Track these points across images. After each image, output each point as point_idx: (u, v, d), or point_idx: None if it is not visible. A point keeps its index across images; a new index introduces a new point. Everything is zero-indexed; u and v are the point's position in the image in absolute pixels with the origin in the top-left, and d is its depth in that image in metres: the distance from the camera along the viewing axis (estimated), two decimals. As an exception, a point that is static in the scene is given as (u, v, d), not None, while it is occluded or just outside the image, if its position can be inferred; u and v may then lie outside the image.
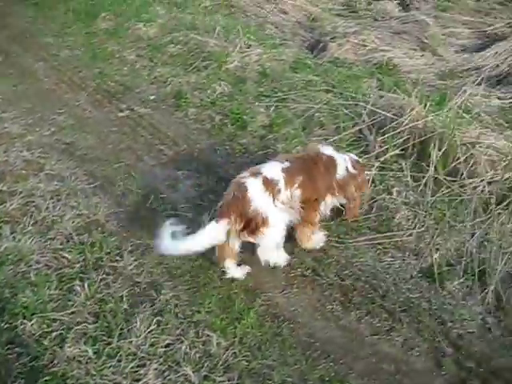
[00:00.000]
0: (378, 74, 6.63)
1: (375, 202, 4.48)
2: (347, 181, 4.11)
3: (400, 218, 4.33)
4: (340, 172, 4.10)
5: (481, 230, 4.17)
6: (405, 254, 4.10)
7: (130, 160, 5.18)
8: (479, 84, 6.52)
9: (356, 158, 4.41)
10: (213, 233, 3.62)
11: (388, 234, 4.25)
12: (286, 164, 3.90)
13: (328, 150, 4.20)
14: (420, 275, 3.96)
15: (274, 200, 3.74)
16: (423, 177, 4.57)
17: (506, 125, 5.83)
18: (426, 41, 7.87)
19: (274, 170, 3.84)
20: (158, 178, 4.89)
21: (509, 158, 4.56)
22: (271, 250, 3.88)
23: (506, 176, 4.45)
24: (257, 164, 4.02)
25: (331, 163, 4.09)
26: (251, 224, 3.67)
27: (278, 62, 6.64)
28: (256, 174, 3.78)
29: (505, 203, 4.30)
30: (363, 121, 5.13)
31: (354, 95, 5.72)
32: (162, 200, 4.58)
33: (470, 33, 8.48)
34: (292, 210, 3.91)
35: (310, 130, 5.29)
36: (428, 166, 4.60)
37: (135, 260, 3.92)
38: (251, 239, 3.76)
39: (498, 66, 7.20)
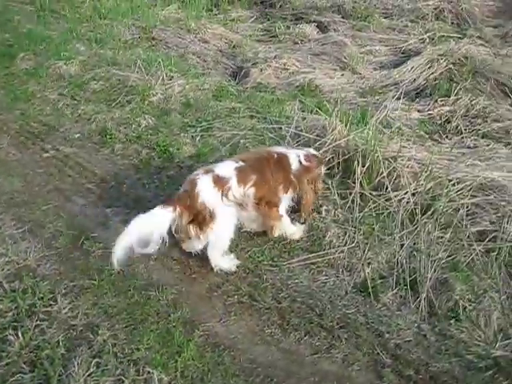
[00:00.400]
0: (301, 95, 6.78)
1: (305, 222, 4.54)
2: (301, 174, 4.33)
3: (331, 236, 4.41)
4: (294, 167, 4.32)
5: (409, 241, 4.31)
6: (338, 271, 4.18)
7: (58, 201, 5.04)
8: (398, 99, 6.75)
9: (313, 152, 4.63)
10: (156, 217, 3.85)
11: (320, 252, 4.31)
12: (240, 163, 4.12)
13: (279, 149, 4.49)
14: (354, 290, 4.05)
15: (222, 196, 3.95)
16: (350, 193, 4.69)
17: (427, 136, 6.10)
18: (345, 60, 8.14)
19: (226, 168, 4.08)
20: (88, 217, 4.79)
21: (429, 168, 4.72)
22: (221, 250, 4.05)
23: (428, 186, 4.61)
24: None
25: (284, 160, 4.32)
26: (199, 217, 3.88)
27: (201, 91, 6.67)
28: (208, 172, 4.03)
29: (429, 212, 4.46)
30: (288, 143, 5.21)
31: (277, 119, 5.82)
32: (93, 239, 4.47)
33: (387, 50, 8.85)
34: (245, 207, 4.14)
35: (237, 157, 5.34)
36: (354, 182, 4.73)
37: (70, 303, 3.80)
38: (200, 235, 3.94)
39: (415, 80, 7.52)
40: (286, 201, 4.36)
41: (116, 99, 6.61)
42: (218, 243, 4.01)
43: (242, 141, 5.52)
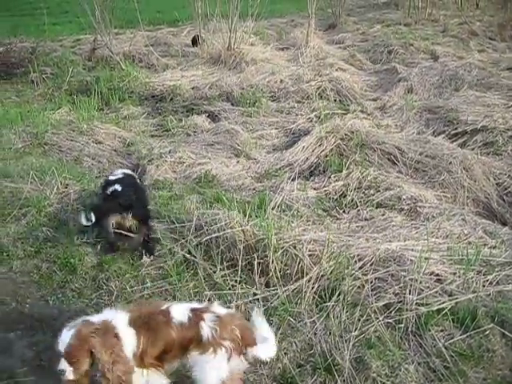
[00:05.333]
0: (199, 188, 6.85)
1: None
2: None
3: (243, 332, 4.39)
4: None
5: (321, 326, 4.38)
6: (256, 366, 4.11)
7: (-47, 332, 4.73)
8: (294, 179, 6.98)
9: None
10: None
11: (236, 349, 4.27)
12: None
13: None
14: (274, 383, 4.01)
15: None
16: (256, 287, 4.73)
17: (325, 213, 6.27)
18: (238, 147, 8.34)
19: None
20: (-12, 346, 4.52)
21: (329, 249, 4.85)
22: None
23: (331, 268, 4.72)
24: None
25: None
26: None
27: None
28: None
29: (336, 294, 4.56)
30: (189, 242, 5.21)
31: (178, 216, 5.82)
32: (-4, 370, 4.22)
33: (277, 132, 9.16)
34: None
35: (140, 262, 5.30)
36: (259, 274, 4.80)
37: None
38: None
39: (307, 159, 7.78)
40: None
41: (10, 213, 6.35)
42: None
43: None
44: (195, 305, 3.68)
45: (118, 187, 5.38)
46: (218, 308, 3.64)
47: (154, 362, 3.48)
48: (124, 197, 5.29)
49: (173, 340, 3.43)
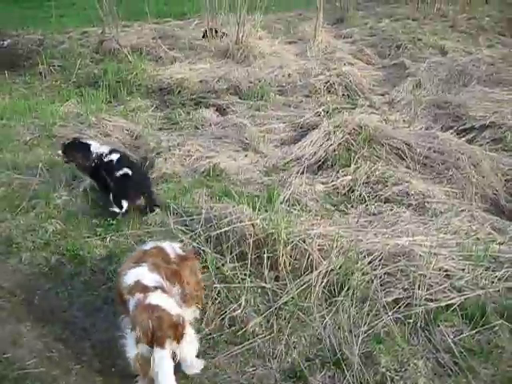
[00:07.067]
0: (207, 181, 6.85)
1: (225, 315, 4.52)
2: None
3: (253, 325, 4.39)
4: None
5: (330, 320, 4.39)
6: (265, 360, 4.16)
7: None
8: (302, 173, 6.97)
9: None
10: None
11: (245, 343, 4.28)
12: None
13: None
14: (283, 377, 4.03)
15: None
16: (265, 280, 4.73)
17: (333, 208, 6.26)
18: (246, 141, 8.29)
19: None
20: (-1, 338, 4.55)
21: (339, 243, 4.86)
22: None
23: (340, 262, 4.72)
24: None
25: None
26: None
27: (107, 189, 6.60)
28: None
29: (345, 288, 4.57)
30: (199, 235, 5.21)
31: (187, 209, 5.84)
32: (7, 360, 4.23)
33: (285, 126, 9.08)
34: None
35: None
36: (269, 268, 4.79)
37: None
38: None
39: (315, 153, 7.72)
40: None
41: (19, 205, 6.39)
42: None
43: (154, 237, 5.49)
44: None
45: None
46: None
47: None
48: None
49: None
